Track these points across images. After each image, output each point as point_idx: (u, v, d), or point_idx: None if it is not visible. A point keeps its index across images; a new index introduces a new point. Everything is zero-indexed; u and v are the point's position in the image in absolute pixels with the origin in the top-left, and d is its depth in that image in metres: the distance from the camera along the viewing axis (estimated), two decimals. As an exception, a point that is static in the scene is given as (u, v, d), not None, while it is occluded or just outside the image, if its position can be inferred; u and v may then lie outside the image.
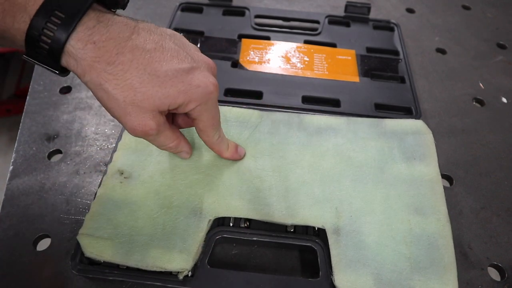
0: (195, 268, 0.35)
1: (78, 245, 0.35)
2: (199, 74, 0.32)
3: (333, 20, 0.61)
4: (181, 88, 0.31)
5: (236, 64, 0.54)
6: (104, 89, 0.29)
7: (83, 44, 0.28)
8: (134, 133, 0.32)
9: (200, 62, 0.33)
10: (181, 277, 0.34)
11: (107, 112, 0.30)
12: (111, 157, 0.41)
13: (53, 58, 0.29)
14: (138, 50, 0.30)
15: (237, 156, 0.41)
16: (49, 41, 0.28)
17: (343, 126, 0.45)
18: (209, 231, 0.37)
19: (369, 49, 0.57)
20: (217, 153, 0.40)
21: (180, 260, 0.34)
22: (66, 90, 0.51)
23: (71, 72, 0.30)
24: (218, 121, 0.37)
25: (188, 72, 0.32)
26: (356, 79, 0.53)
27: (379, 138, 0.44)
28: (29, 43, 0.28)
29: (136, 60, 0.30)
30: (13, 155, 0.44)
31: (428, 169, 0.41)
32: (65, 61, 0.29)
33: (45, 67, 0.30)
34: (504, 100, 0.53)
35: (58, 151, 0.45)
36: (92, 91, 0.30)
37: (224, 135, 0.39)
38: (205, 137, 0.37)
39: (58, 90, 0.51)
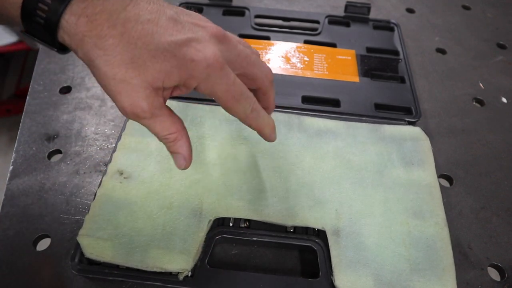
0: (195, 268, 0.35)
1: (78, 245, 0.35)
2: (196, 45, 0.28)
3: (333, 20, 0.61)
4: (173, 63, 0.28)
5: (236, 64, 0.54)
6: (96, 65, 0.28)
7: (76, 18, 0.27)
8: (125, 113, 0.29)
9: (200, 32, 0.29)
10: (181, 277, 0.34)
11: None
12: (111, 157, 0.41)
13: (50, 32, 0.27)
14: (131, 23, 0.27)
15: (274, 137, 0.36)
16: (44, 15, 0.27)
17: (343, 130, 0.45)
18: (209, 231, 0.37)
19: (369, 49, 0.57)
20: (257, 131, 0.34)
21: (180, 260, 0.34)
22: (66, 90, 0.51)
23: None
24: (239, 93, 0.31)
25: (182, 44, 0.28)
26: (356, 79, 0.53)
27: (378, 143, 0.44)
28: (24, 17, 0.27)
29: (127, 33, 0.27)
30: (13, 155, 0.44)
31: (426, 174, 0.41)
32: (61, 36, 0.28)
33: (44, 44, 0.29)
34: (504, 100, 0.53)
35: (58, 151, 0.45)
36: (88, 67, 0.29)
37: (261, 109, 0.33)
38: (234, 115, 0.32)
39: (58, 90, 0.51)
